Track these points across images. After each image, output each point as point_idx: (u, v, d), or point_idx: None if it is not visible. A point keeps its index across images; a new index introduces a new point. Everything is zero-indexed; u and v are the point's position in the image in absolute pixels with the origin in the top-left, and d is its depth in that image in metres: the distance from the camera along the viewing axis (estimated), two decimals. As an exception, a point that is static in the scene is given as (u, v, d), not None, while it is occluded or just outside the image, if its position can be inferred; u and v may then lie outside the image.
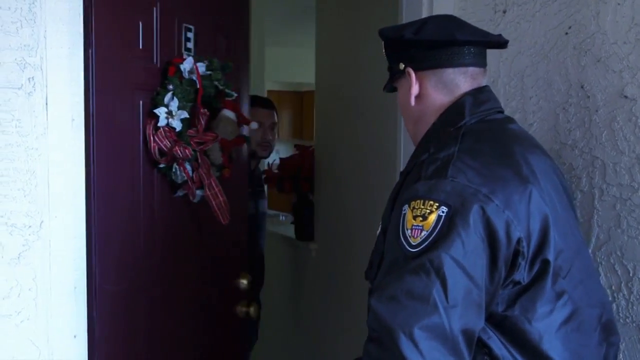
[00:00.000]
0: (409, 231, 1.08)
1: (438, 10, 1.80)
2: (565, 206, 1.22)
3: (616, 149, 1.42)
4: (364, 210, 2.69)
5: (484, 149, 1.16)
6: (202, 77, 1.74)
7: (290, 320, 3.66)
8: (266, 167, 3.46)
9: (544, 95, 1.58)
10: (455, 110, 1.25)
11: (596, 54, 1.46)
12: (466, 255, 1.05)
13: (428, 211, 1.07)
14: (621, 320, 1.42)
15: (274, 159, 3.30)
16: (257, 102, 2.78)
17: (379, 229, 1.26)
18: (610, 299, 1.43)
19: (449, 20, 1.30)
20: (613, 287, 1.44)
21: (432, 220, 1.06)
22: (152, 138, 1.63)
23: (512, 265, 1.10)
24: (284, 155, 3.41)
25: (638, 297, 1.39)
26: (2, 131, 1.34)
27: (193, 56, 1.74)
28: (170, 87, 1.64)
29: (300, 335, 3.58)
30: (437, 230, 1.05)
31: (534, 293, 1.11)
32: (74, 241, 1.43)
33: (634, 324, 1.40)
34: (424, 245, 1.06)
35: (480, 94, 1.26)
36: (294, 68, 7.25)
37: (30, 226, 1.37)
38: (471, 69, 1.26)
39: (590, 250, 1.46)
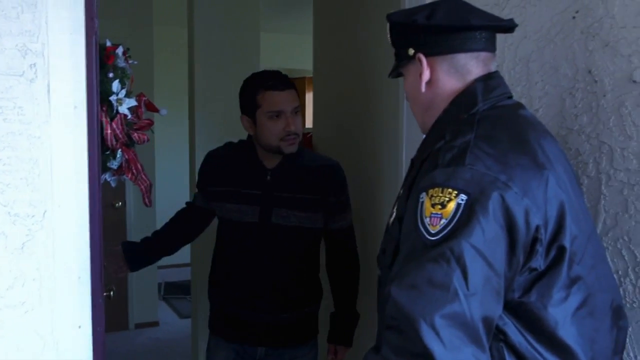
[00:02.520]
0: (428, 219, 1.08)
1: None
2: (576, 191, 1.22)
3: (624, 134, 1.42)
4: (362, 194, 2.68)
5: (500, 136, 1.16)
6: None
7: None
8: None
9: (550, 81, 1.57)
10: (467, 96, 1.24)
11: (604, 38, 1.45)
12: (486, 243, 1.05)
13: (447, 199, 1.07)
14: (628, 305, 1.42)
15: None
16: (268, 83, 2.09)
17: (392, 216, 1.26)
18: (617, 283, 1.43)
19: (460, 4, 1.28)
20: (620, 272, 1.44)
21: (451, 208, 1.06)
22: (107, 125, 1.66)
23: (530, 252, 1.10)
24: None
25: (645, 282, 1.39)
26: (3, 119, 1.31)
27: (113, 43, 1.76)
28: (111, 74, 1.67)
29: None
30: (456, 218, 1.05)
31: (550, 279, 1.12)
32: (77, 230, 1.40)
33: (642, 309, 1.40)
34: (443, 233, 1.06)
35: (491, 80, 1.26)
36: (288, 54, 7.22)
37: (33, 215, 1.35)
38: (483, 54, 1.26)
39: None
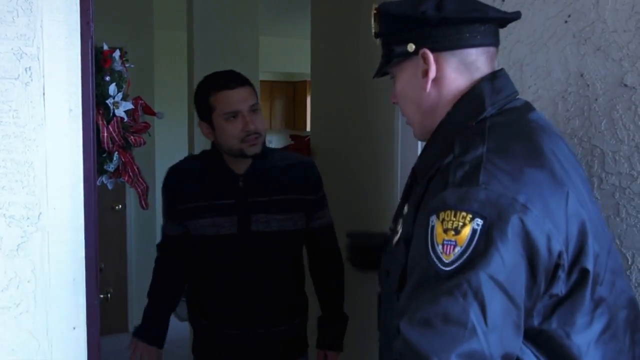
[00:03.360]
0: (440, 247, 0.97)
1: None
2: (592, 200, 1.14)
3: (615, 138, 1.43)
4: (359, 199, 2.69)
5: (513, 148, 1.06)
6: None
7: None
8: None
9: (543, 84, 1.58)
10: (474, 100, 1.14)
11: (596, 43, 1.46)
12: (505, 274, 0.95)
13: (460, 224, 0.96)
14: (620, 308, 1.43)
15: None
16: (219, 83, 1.96)
17: (397, 235, 1.17)
18: (634, 294, 1.38)
19: None
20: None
21: (466, 235, 0.96)
22: (104, 128, 1.68)
23: (552, 279, 1.01)
24: (277, 146, 3.41)
25: (637, 284, 1.40)
26: (-1, 122, 1.32)
27: (110, 46, 1.79)
28: (107, 78, 1.69)
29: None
30: (472, 246, 0.95)
31: (573, 304, 1.03)
32: (72, 232, 1.41)
33: (633, 312, 1.40)
34: (458, 262, 0.96)
35: (497, 80, 1.16)
36: (286, 58, 7.24)
37: (28, 218, 1.36)
38: (492, 49, 1.18)
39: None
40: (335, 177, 3.02)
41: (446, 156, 1.07)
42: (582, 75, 1.49)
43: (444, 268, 0.97)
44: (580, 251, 1.03)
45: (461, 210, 0.97)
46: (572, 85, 1.52)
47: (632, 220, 1.40)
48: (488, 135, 1.07)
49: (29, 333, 1.37)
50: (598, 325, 1.06)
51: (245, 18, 4.07)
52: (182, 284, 2.20)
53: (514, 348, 0.99)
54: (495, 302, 0.95)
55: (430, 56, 1.15)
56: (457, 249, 0.96)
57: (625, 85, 1.40)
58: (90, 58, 1.44)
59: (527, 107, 1.19)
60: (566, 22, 1.53)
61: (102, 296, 1.75)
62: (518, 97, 1.20)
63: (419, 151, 1.93)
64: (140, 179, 1.90)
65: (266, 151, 2.03)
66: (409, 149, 2.03)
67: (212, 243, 2.02)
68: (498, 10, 1.19)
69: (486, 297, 0.94)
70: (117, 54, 1.77)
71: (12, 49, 1.33)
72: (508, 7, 1.65)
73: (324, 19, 3.14)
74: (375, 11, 1.24)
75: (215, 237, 2.00)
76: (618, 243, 1.43)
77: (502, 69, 1.20)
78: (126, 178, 1.84)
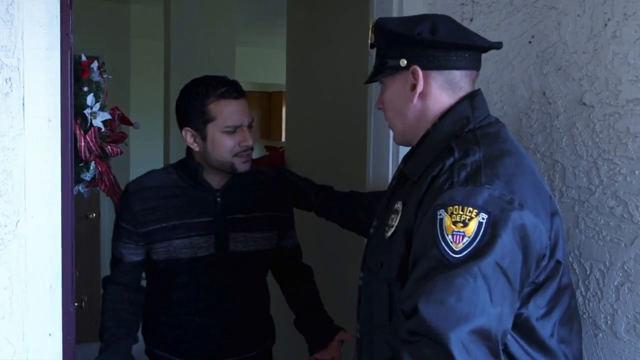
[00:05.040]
0: (450, 237, 1.10)
1: (407, 14, 1.86)
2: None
3: (575, 153, 1.50)
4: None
5: (503, 155, 1.20)
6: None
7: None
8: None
9: (508, 101, 1.65)
10: (458, 114, 1.29)
11: (557, 63, 1.53)
12: (507, 261, 1.10)
13: (468, 217, 1.10)
14: (579, 316, 1.50)
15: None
16: (221, 90, 1.79)
17: (392, 229, 1.28)
18: None
19: (451, 21, 1.33)
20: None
21: (473, 227, 1.10)
22: (81, 138, 1.70)
23: (536, 268, 1.17)
24: (253, 156, 3.44)
25: (594, 294, 1.47)
26: (-22, 131, 1.35)
27: (88, 57, 1.81)
28: (85, 88, 1.72)
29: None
30: (479, 236, 1.09)
31: (545, 291, 1.20)
32: (49, 241, 1.44)
33: (590, 320, 1.47)
34: (468, 250, 1.09)
35: (476, 97, 1.31)
36: (262, 68, 7.28)
37: (6, 225, 1.38)
38: (475, 73, 1.32)
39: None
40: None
41: (446, 158, 1.21)
42: (544, 94, 1.56)
43: (454, 255, 1.10)
44: (555, 245, 1.20)
45: (467, 206, 1.11)
46: (535, 102, 1.59)
47: (590, 232, 1.47)
48: (481, 143, 1.22)
49: (5, 339, 1.39)
50: (561, 310, 1.23)
51: (222, 28, 4.11)
52: (141, 317, 1.95)
53: (509, 326, 1.14)
54: (499, 285, 1.09)
55: (420, 73, 1.29)
56: (466, 239, 1.09)
57: (584, 104, 1.47)
58: (69, 69, 1.47)
59: (498, 122, 1.34)
60: (530, 42, 1.60)
61: (76, 304, 1.73)
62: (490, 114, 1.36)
63: (390, 162, 2.00)
64: (116, 188, 1.92)
65: None
66: (380, 160, 2.08)
67: (187, 267, 1.82)
68: (483, 39, 1.32)
69: (492, 280, 1.08)
70: (95, 64, 1.80)
71: (-8, 60, 1.36)
72: (476, 27, 1.72)
73: (299, 29, 3.19)
74: (373, 24, 1.36)
75: (192, 259, 1.81)
76: (577, 254, 1.50)
77: (479, 89, 1.34)
78: (103, 187, 1.86)
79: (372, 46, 1.38)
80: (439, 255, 1.11)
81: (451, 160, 1.20)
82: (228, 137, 1.78)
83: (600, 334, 1.45)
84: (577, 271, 1.50)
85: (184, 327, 1.87)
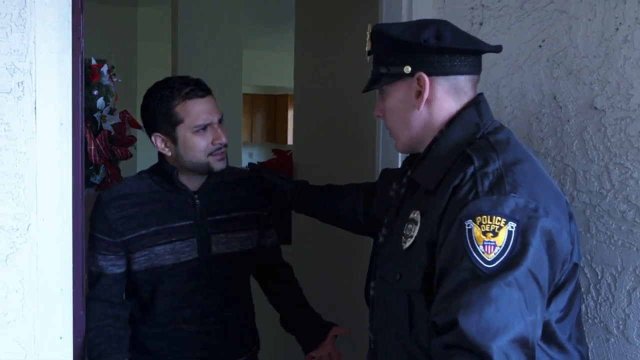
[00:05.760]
0: (481, 247, 1.10)
1: (416, 18, 1.87)
2: None
3: (586, 158, 1.49)
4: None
5: (521, 162, 1.20)
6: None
7: (268, 322, 3.69)
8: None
9: (518, 105, 1.65)
10: (467, 121, 1.28)
11: (568, 67, 1.53)
12: (538, 268, 1.11)
13: (497, 227, 1.10)
14: (590, 321, 1.49)
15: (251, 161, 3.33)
16: (186, 90, 1.71)
17: (410, 240, 1.25)
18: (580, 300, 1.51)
19: (454, 27, 1.31)
20: (582, 289, 1.50)
21: (503, 236, 1.10)
22: (91, 141, 1.70)
23: (560, 272, 1.19)
24: (258, 159, 3.45)
25: (605, 298, 1.46)
26: (-9, 135, 1.36)
27: (98, 60, 1.82)
28: (95, 92, 1.72)
29: (278, 339, 3.61)
30: (510, 245, 1.09)
31: (564, 293, 1.21)
32: (60, 244, 1.45)
33: (602, 324, 1.47)
34: (501, 259, 1.09)
35: (481, 103, 1.30)
36: (267, 71, 7.29)
37: (17, 229, 1.39)
38: (476, 77, 1.32)
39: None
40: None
41: (466, 167, 1.19)
42: (555, 98, 1.56)
43: (487, 266, 1.09)
44: (573, 248, 1.21)
45: (496, 215, 1.11)
46: (545, 106, 1.58)
47: (602, 236, 1.46)
48: (498, 150, 1.21)
49: (16, 342, 1.40)
50: (574, 312, 1.25)
51: (228, 31, 4.12)
52: (129, 332, 1.83)
53: (540, 331, 1.15)
54: (533, 293, 1.10)
55: (426, 79, 1.26)
56: (497, 248, 1.10)
57: (595, 108, 1.47)
58: (80, 73, 1.48)
59: (504, 127, 1.33)
60: (540, 46, 1.59)
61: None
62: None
63: (399, 166, 2.00)
64: None
65: None
66: (389, 164, 2.08)
67: (171, 274, 1.75)
68: (485, 43, 1.32)
69: (527, 289, 1.09)
70: (105, 68, 1.81)
71: (5, 64, 1.37)
72: (486, 31, 1.72)
73: (308, 33, 3.19)
74: (370, 31, 1.34)
75: (175, 266, 1.74)
76: (588, 258, 1.49)
77: (481, 94, 1.32)
78: None
79: (369, 53, 1.36)
80: (472, 266, 1.10)
81: (472, 169, 1.18)
82: (199, 136, 1.71)
83: (612, 339, 1.45)
84: (588, 276, 1.49)
85: (169, 337, 1.80)
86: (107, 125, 1.77)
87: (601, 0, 1.45)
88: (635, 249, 1.39)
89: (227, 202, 1.84)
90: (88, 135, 1.73)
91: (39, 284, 1.41)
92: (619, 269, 1.42)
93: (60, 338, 1.45)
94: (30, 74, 1.39)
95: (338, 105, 2.84)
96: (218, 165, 1.75)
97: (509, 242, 1.09)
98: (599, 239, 1.47)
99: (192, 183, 1.80)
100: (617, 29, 1.42)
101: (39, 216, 1.41)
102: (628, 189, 1.40)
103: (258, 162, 3.33)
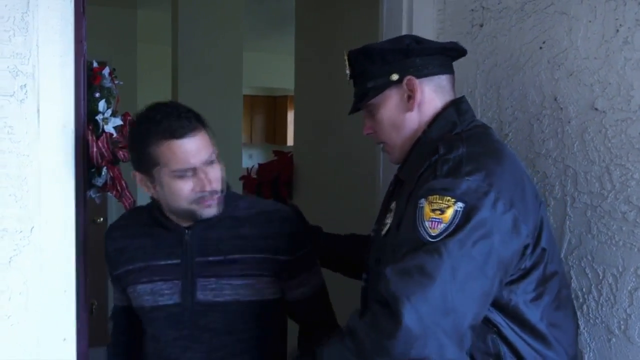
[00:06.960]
0: (428, 223, 1.18)
1: (418, 21, 1.89)
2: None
3: (587, 159, 1.50)
4: (342, 214, 2.74)
5: (486, 152, 1.28)
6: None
7: None
8: (245, 174, 3.48)
9: (519, 107, 1.66)
10: (445, 119, 1.37)
11: (569, 68, 1.53)
12: (477, 246, 1.16)
13: (445, 205, 1.18)
14: (591, 321, 1.49)
15: (252, 164, 3.33)
16: (167, 128, 1.43)
17: (386, 226, 1.36)
18: (581, 300, 1.51)
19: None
20: (584, 290, 1.51)
21: (449, 214, 1.17)
22: (94, 143, 1.70)
23: (521, 256, 1.24)
24: (258, 160, 3.45)
25: (607, 299, 1.47)
26: (-6, 138, 1.36)
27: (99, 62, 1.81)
28: (97, 94, 1.73)
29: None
30: (454, 223, 1.17)
31: (532, 277, 1.27)
32: (63, 246, 1.45)
33: (603, 325, 1.47)
34: (442, 235, 1.17)
35: (462, 104, 1.40)
36: (267, 72, 7.29)
37: (21, 231, 1.39)
38: (454, 77, 1.42)
39: (562, 255, 1.53)
40: (318, 192, 3.07)
41: (431, 156, 1.29)
42: (555, 99, 1.57)
43: (429, 239, 1.18)
44: (540, 233, 1.28)
45: (446, 195, 1.19)
46: (546, 108, 1.59)
47: (603, 237, 1.47)
48: (466, 141, 1.29)
49: (19, 344, 1.40)
50: (548, 296, 1.30)
51: (229, 33, 4.13)
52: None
53: (477, 309, 1.19)
54: (465, 265, 1.15)
55: (416, 81, 1.36)
56: (442, 225, 1.17)
57: (596, 109, 1.47)
58: (82, 76, 1.49)
59: (485, 126, 1.42)
60: (541, 48, 1.60)
61: (87, 308, 1.74)
62: (477, 119, 1.45)
63: (400, 168, 2.00)
64: (127, 193, 1.93)
65: (234, 198, 1.60)
66: (390, 165, 2.09)
67: (150, 317, 1.58)
68: (456, 43, 1.45)
69: (458, 259, 1.15)
70: (106, 70, 1.81)
71: (8, 67, 1.37)
72: (487, 33, 1.73)
73: (308, 34, 3.20)
74: (347, 55, 1.43)
75: (153, 309, 1.55)
76: (590, 259, 1.50)
77: (463, 96, 1.43)
78: (114, 193, 1.87)
79: (351, 76, 1.45)
80: (415, 237, 1.19)
81: (436, 156, 1.27)
82: (182, 182, 1.45)
83: (614, 339, 1.45)
84: (589, 276, 1.50)
85: None
86: (109, 128, 1.77)
87: (601, 1, 1.45)
88: (636, 250, 1.40)
89: (227, 241, 1.55)
90: (90, 138, 1.73)
91: (42, 286, 1.41)
92: (620, 270, 1.43)
93: (64, 340, 1.45)
94: (33, 77, 1.39)
95: (338, 106, 2.84)
96: (207, 212, 1.48)
97: (454, 220, 1.17)
98: (600, 240, 1.48)
99: None
100: (618, 30, 1.42)
101: (42, 218, 1.41)
102: (629, 189, 1.41)
103: (258, 164, 3.34)
